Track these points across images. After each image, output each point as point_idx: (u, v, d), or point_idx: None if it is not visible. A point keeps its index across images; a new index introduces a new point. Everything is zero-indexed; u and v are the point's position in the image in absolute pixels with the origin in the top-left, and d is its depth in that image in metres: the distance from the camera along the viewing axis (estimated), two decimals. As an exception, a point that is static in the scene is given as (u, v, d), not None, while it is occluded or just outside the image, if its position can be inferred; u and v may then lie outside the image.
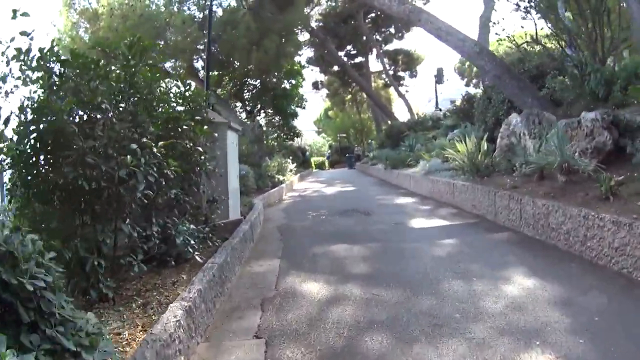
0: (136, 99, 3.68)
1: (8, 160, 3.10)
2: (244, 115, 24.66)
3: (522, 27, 11.77)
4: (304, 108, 28.77)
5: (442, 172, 9.92)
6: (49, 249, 2.11)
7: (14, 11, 2.88)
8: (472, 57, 10.85)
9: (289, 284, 4.09)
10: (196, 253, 4.07)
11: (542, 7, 9.74)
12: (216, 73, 25.65)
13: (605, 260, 4.13)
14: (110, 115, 3.33)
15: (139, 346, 2.27)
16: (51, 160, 3.25)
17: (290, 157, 20.22)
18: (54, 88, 3.25)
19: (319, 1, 32.02)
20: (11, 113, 3.03)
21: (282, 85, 26.60)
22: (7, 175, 3.50)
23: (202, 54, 22.49)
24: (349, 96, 46.55)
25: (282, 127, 27.32)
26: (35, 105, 3.11)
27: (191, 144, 4.52)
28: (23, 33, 3.05)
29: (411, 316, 3.19)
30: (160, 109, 4.37)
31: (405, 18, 12.63)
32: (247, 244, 5.39)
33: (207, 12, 22.17)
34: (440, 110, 26.11)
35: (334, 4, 32.89)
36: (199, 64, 23.57)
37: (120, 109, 3.59)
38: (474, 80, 45.53)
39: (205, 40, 21.44)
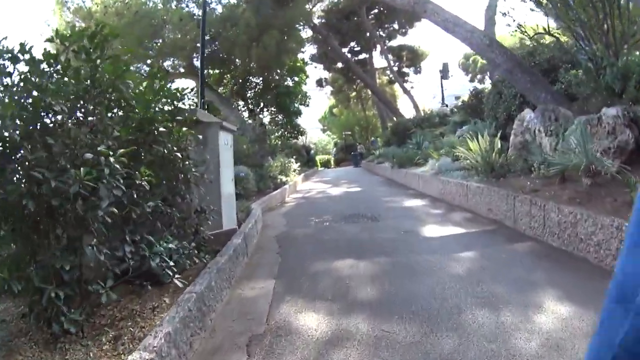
0: (99, 99, 3.12)
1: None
2: (246, 114, 24.22)
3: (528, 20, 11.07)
4: (307, 106, 28.37)
5: (453, 172, 9.31)
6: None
7: None
8: (482, 49, 10.22)
9: (283, 316, 3.46)
10: (177, 276, 3.50)
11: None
12: (217, 71, 25.31)
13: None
14: (64, 119, 2.78)
15: None
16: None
17: (294, 156, 19.67)
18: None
19: (322, -3, 31.64)
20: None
21: (285, 83, 26.23)
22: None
23: (202, 51, 22.08)
24: (354, 93, 46.16)
25: (285, 126, 26.91)
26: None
27: (169, 149, 3.95)
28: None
29: (431, 364, 2.61)
30: (133, 111, 3.84)
31: (410, 10, 12.03)
32: (239, 260, 4.80)
33: (206, 9, 21.87)
34: (447, 106, 25.52)
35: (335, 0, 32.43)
36: (199, 63, 23.12)
37: (82, 111, 3.05)
38: (479, 76, 45.13)
39: (206, 36, 21.15)
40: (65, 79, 2.99)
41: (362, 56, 37.87)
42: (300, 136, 30.46)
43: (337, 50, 33.47)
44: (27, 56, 2.75)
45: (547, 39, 10.51)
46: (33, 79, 2.76)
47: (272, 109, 26.42)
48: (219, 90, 24.25)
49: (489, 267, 4.39)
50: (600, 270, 4.02)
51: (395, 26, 35.58)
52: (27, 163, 2.56)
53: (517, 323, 3.04)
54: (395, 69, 37.83)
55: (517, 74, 9.16)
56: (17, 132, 2.64)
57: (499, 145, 8.10)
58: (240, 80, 24.19)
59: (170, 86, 4.92)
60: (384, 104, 36.17)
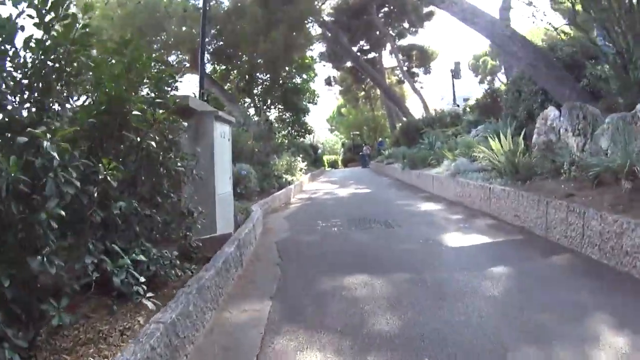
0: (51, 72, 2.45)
1: None
2: (252, 110, 23.69)
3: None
4: (315, 104, 27.93)
5: (472, 174, 8.60)
6: None
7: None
8: (503, 42, 9.48)
9: (278, 354, 2.71)
10: (149, 295, 2.82)
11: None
12: (222, 67, 24.78)
13: None
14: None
15: None
16: None
17: (301, 155, 19.01)
18: None
19: (331, -6, 31.11)
20: None
21: (293, 80, 25.77)
22: None
23: (207, 46, 21.66)
24: (362, 93, 45.74)
25: (292, 124, 26.40)
26: None
27: (146, 138, 3.29)
28: None
29: None
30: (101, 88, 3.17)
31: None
32: (230, 273, 4.07)
33: (212, 2, 21.30)
34: (458, 106, 24.85)
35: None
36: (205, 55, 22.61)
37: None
38: (488, 77, 44.29)
39: (211, 31, 20.60)
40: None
41: (372, 55, 37.34)
42: (307, 135, 29.91)
43: (347, 48, 32.80)
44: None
45: (570, 32, 9.77)
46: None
47: (280, 106, 25.92)
48: (224, 87, 23.73)
49: (528, 287, 3.70)
50: (650, 289, 3.39)
51: (406, 25, 34.93)
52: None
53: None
54: (405, 68, 37.31)
55: (541, 68, 8.45)
56: None
57: (522, 145, 7.42)
58: (247, 77, 23.66)
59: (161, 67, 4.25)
60: (393, 103, 35.47)
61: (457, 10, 9.86)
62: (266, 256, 5.34)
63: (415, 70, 38.46)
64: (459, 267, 4.39)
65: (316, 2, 25.82)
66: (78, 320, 2.65)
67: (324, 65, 37.07)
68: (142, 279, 2.80)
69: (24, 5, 2.47)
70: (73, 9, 2.66)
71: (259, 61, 21.67)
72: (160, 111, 3.55)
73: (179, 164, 3.92)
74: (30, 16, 2.56)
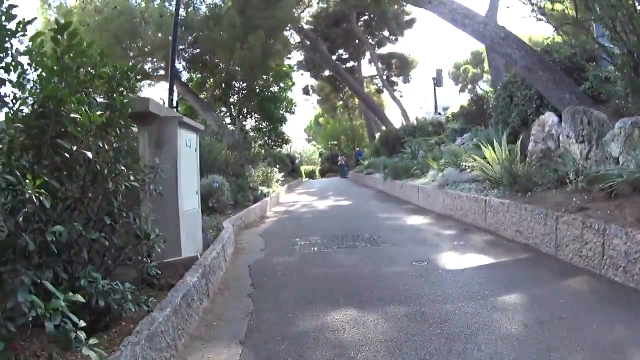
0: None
1: None
2: (228, 120, 22.98)
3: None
4: (293, 113, 27.44)
5: (462, 185, 8.00)
6: None
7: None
8: (496, 44, 8.93)
9: None
10: (91, 342, 2.05)
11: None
12: (199, 75, 24.08)
13: None
14: None
15: None
16: None
17: (278, 166, 18.26)
18: None
19: (310, 3, 30.72)
20: None
21: (271, 89, 25.26)
22: None
23: (183, 53, 21.02)
24: (341, 102, 45.52)
25: (269, 133, 25.81)
26: None
27: (86, 147, 2.57)
28: None
29: None
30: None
31: (412, 0, 10.77)
32: (193, 308, 3.29)
33: (189, 9, 20.59)
34: (441, 114, 24.50)
35: (325, 5, 31.42)
36: (180, 65, 21.92)
37: None
38: (470, 86, 44.37)
39: (188, 38, 19.89)
40: None
41: (351, 64, 37.11)
42: (284, 145, 29.33)
43: (326, 56, 32.28)
44: None
45: (562, 36, 9.30)
46: None
47: (256, 115, 25.30)
48: (200, 96, 23.00)
49: (550, 321, 3.03)
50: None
51: (386, 33, 34.83)
52: None
53: None
54: (385, 77, 37.01)
55: (537, 71, 7.91)
56: None
57: (519, 154, 6.85)
58: (223, 85, 22.99)
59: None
60: (372, 111, 35.01)
61: (446, 11, 9.30)
62: (237, 284, 4.54)
63: (394, 79, 38.40)
64: (463, 296, 3.70)
65: (295, 10, 25.33)
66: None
67: (302, 75, 36.90)
68: (82, 324, 2.05)
69: None
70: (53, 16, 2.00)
71: (236, 69, 21.04)
72: (99, 113, 2.80)
73: (131, 178, 3.19)
74: None
